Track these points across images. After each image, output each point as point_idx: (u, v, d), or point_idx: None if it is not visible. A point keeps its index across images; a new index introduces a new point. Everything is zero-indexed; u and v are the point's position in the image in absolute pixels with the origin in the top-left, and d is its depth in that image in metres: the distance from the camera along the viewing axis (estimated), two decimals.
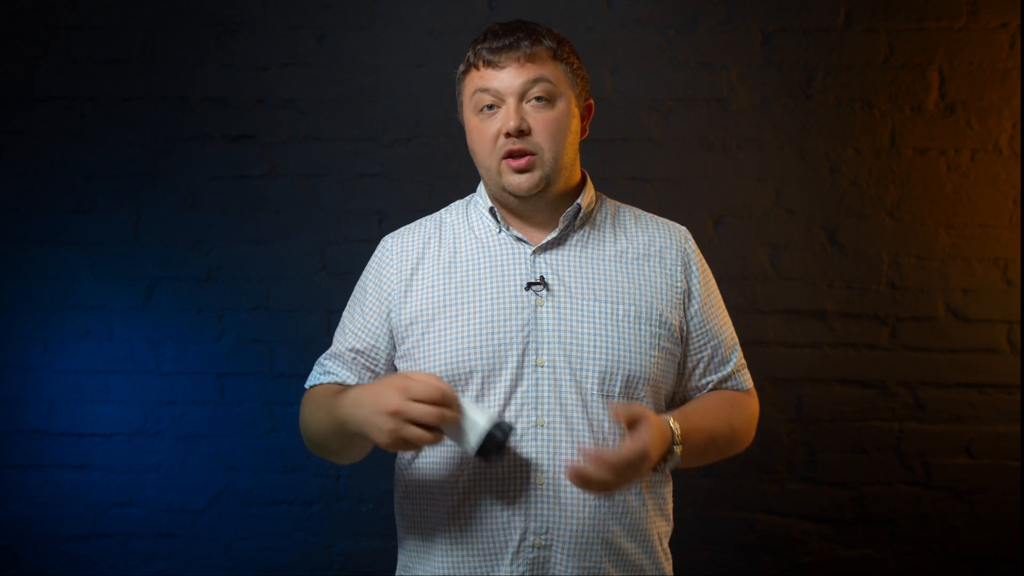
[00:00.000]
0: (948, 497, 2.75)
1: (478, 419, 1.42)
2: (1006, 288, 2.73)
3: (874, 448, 2.76)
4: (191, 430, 2.83)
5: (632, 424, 1.45)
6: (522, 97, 1.57)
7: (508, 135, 1.56)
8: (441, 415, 1.40)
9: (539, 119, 1.57)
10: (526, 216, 1.64)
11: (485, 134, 1.59)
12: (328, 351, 1.72)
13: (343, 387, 1.63)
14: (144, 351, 2.83)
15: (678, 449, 1.52)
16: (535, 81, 1.57)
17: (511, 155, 1.57)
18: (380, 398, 1.43)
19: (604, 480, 1.41)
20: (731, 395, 1.72)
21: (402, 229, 1.73)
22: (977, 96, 2.73)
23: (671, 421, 1.54)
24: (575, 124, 1.62)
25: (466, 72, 1.62)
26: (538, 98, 1.57)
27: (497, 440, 1.42)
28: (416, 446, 1.43)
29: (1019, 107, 2.71)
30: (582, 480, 1.42)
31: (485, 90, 1.58)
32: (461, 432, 1.43)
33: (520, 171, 1.57)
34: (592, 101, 1.69)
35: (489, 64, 1.57)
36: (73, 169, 2.83)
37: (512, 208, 1.64)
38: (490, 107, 1.58)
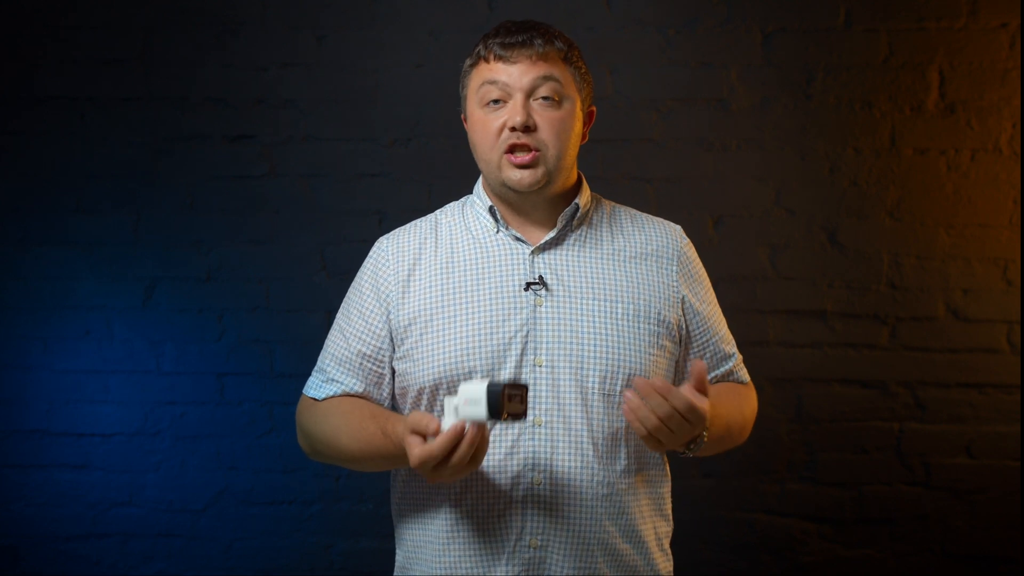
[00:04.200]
0: (948, 497, 2.75)
1: (474, 395, 1.35)
2: (1006, 288, 2.73)
3: (874, 448, 2.76)
4: (191, 430, 2.83)
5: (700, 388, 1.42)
6: (530, 94, 1.56)
7: (513, 129, 1.55)
8: (460, 460, 1.35)
9: (545, 117, 1.57)
10: (525, 213, 1.64)
11: (489, 127, 1.57)
12: (329, 356, 1.68)
13: (375, 408, 1.61)
14: (144, 351, 2.83)
15: (705, 435, 1.52)
16: (545, 79, 1.56)
17: (513, 150, 1.56)
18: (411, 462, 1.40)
19: (651, 416, 1.39)
20: (735, 386, 1.74)
21: (397, 230, 1.72)
22: (977, 96, 2.73)
23: None
24: (578, 127, 1.63)
25: (474, 65, 1.61)
26: (545, 97, 1.57)
27: (497, 393, 1.34)
28: (474, 466, 1.40)
29: (1019, 107, 2.71)
30: (633, 408, 1.40)
31: (493, 83, 1.57)
32: (474, 416, 1.36)
33: (523, 167, 1.56)
34: (595, 108, 1.69)
35: (500, 58, 1.57)
36: (73, 169, 2.83)
37: (512, 204, 1.64)
38: (496, 101, 1.57)
